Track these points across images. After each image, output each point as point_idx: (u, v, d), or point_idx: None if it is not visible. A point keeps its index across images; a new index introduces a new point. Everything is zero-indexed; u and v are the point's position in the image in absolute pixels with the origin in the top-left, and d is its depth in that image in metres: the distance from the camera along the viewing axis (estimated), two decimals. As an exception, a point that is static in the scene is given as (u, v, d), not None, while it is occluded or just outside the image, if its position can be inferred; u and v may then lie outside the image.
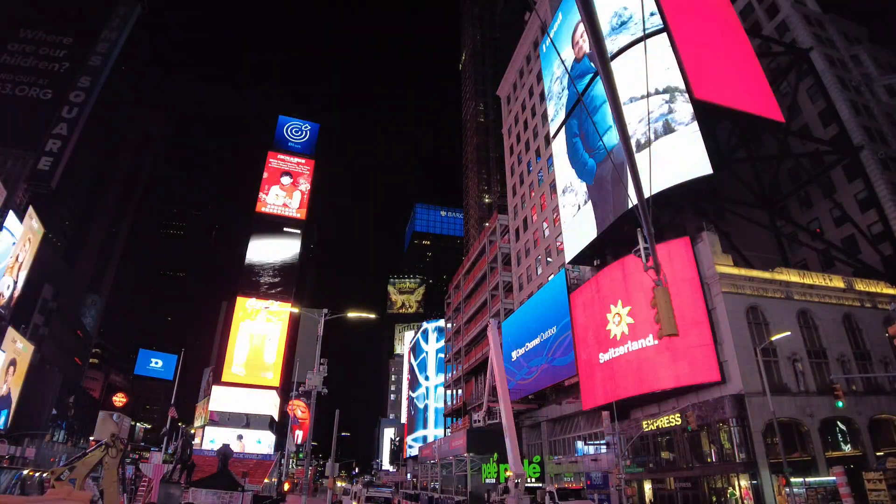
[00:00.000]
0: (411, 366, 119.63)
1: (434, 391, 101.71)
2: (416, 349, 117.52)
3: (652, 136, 33.56)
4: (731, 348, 27.65)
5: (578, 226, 41.77)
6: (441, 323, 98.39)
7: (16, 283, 44.42)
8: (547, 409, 46.51)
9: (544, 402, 47.14)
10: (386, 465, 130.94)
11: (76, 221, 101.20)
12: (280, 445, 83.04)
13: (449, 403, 78.90)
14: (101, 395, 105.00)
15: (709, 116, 33.58)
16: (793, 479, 23.41)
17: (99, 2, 76.80)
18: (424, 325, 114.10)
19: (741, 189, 37.97)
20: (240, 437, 75.90)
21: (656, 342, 30.39)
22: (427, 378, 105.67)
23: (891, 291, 32.73)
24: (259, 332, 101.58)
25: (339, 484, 51.92)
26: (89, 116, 69.50)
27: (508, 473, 27.71)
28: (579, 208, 41.88)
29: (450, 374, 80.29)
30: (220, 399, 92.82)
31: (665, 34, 35.11)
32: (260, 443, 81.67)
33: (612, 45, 37.45)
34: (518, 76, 68.43)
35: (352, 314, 30.55)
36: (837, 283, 31.88)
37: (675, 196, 33.70)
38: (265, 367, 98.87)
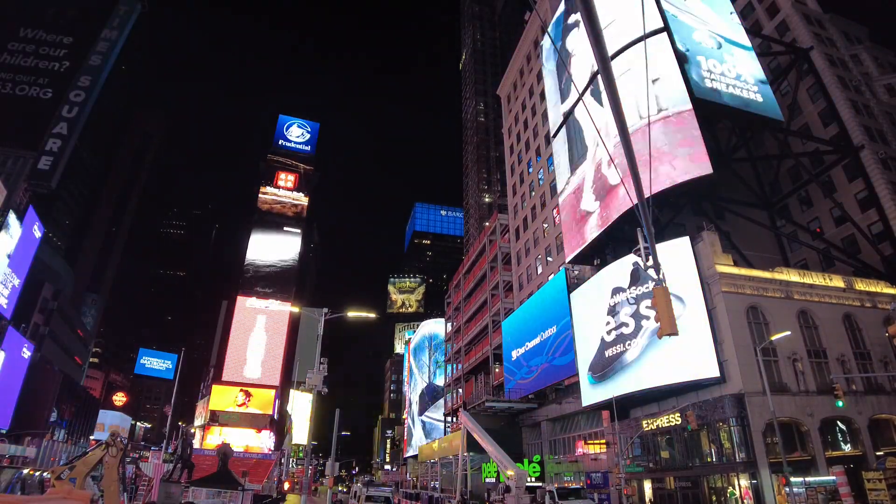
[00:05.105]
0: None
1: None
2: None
3: (651, 136, 33.55)
4: (731, 348, 27.65)
5: (579, 225, 41.78)
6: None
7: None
8: (547, 409, 46.53)
9: (544, 402, 47.16)
10: (386, 464, 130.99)
11: (76, 221, 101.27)
12: (279, 444, 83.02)
13: (449, 402, 78.90)
14: (101, 395, 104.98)
15: (708, 115, 33.65)
16: (793, 479, 23.42)
17: (99, 2, 76.73)
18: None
19: (741, 189, 37.98)
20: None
21: (657, 340, 30.39)
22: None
23: (891, 291, 32.73)
24: (259, 331, 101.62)
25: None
26: (89, 116, 69.48)
27: (509, 473, 27.67)
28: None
29: (449, 374, 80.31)
30: (220, 398, 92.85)
31: (665, 34, 35.17)
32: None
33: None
34: (518, 75, 68.41)
35: (352, 314, 30.51)
36: (837, 282, 31.88)
37: (675, 196, 33.75)
38: (265, 367, 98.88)
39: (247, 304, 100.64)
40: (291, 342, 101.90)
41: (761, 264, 33.42)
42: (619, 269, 34.61)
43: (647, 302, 31.23)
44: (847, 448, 27.85)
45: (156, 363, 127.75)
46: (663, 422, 31.25)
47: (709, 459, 28.54)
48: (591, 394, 35.89)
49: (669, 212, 35.93)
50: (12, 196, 49.86)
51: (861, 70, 44.41)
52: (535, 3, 62.00)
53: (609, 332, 34.54)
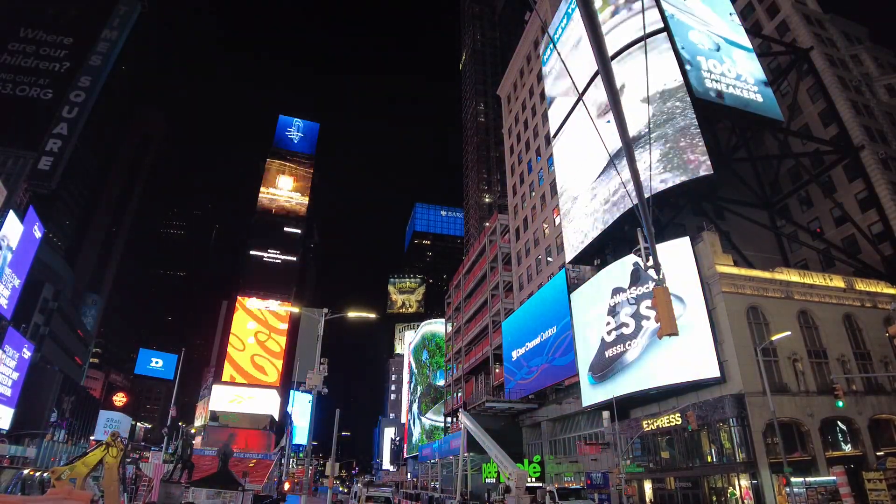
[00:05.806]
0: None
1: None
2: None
3: (652, 136, 33.56)
4: (731, 348, 27.63)
5: (579, 225, 41.78)
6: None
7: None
8: (547, 409, 46.52)
9: (544, 402, 47.15)
10: (386, 464, 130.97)
11: (76, 221, 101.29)
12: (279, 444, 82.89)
13: (449, 403, 78.88)
14: (101, 395, 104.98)
15: (709, 115, 33.65)
16: (793, 479, 23.41)
17: (99, 2, 76.80)
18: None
19: (741, 189, 37.99)
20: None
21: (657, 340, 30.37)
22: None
23: (891, 291, 32.73)
24: (259, 331, 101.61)
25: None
26: (89, 116, 69.54)
27: (509, 473, 27.69)
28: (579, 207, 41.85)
29: (450, 374, 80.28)
30: (220, 399, 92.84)
31: (665, 33, 35.19)
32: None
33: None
34: (518, 76, 68.41)
35: (352, 314, 30.50)
36: (837, 283, 31.87)
37: (675, 196, 33.76)
38: (265, 367, 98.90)
39: (247, 304, 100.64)
40: (292, 342, 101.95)
41: (761, 264, 33.41)
42: (620, 270, 34.59)
43: (648, 302, 31.22)
44: (847, 448, 27.84)
45: (156, 363, 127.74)
46: (664, 422, 31.23)
47: (709, 460, 28.53)
48: (592, 394, 35.89)
49: (669, 212, 35.93)
50: (12, 196, 49.90)
51: (861, 70, 44.41)
52: (535, 3, 62.02)
53: (609, 333, 34.54)
